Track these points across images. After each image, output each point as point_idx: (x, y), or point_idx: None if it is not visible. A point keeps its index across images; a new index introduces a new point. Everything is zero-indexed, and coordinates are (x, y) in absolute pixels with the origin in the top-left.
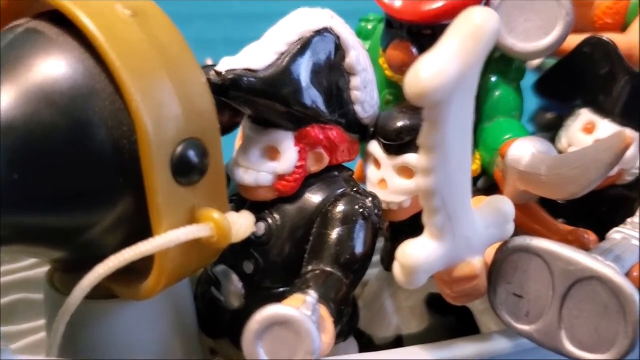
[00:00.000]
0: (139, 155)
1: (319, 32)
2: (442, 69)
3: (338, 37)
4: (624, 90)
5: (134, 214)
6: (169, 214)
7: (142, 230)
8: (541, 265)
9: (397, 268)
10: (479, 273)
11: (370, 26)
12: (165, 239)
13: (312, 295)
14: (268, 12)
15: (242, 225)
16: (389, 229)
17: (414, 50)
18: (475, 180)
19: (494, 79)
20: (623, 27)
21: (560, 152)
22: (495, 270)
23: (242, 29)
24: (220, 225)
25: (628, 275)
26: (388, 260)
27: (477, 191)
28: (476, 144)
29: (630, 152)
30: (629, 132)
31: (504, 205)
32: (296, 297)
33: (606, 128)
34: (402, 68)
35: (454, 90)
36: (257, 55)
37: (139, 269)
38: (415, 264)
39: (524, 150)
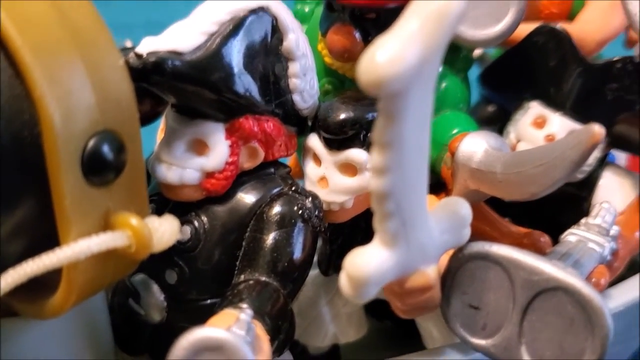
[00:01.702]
0: (43, 150)
1: (253, 12)
2: (401, 53)
3: (275, 18)
4: (577, 82)
5: (38, 219)
6: (78, 219)
7: (48, 238)
8: (501, 274)
9: (344, 279)
10: (433, 283)
11: (307, 8)
12: (74, 250)
13: (246, 311)
14: None
15: (164, 232)
16: (327, 230)
17: (357, 35)
18: None
19: (440, 68)
20: (569, 17)
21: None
22: (449, 279)
23: (166, 11)
24: (139, 232)
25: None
26: (326, 264)
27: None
28: None
29: None
30: (598, 128)
31: (460, 208)
32: (227, 313)
33: (558, 122)
34: (343, 54)
35: (413, 78)
36: (184, 36)
37: (44, 283)
38: (365, 275)
39: (476, 146)
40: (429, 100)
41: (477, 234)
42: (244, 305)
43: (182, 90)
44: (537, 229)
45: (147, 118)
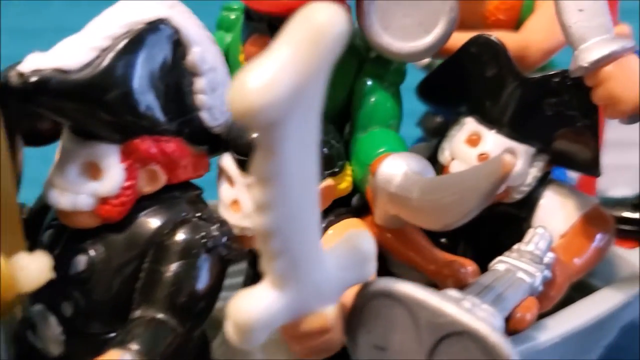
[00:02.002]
0: None
1: (152, 24)
2: (273, 80)
3: (177, 31)
4: (513, 97)
5: None
6: None
7: None
8: (405, 314)
9: (229, 324)
10: (331, 325)
11: (233, 16)
12: None
13: (132, 353)
14: None
15: (32, 271)
16: (250, 253)
17: None
18: (349, 197)
19: (369, 82)
20: (517, 25)
21: (442, 166)
22: (354, 317)
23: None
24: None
25: (511, 317)
26: None
27: (348, 212)
28: (350, 157)
29: (518, 168)
30: (509, 158)
31: (362, 242)
32: (111, 354)
33: (492, 140)
34: None
35: (290, 106)
36: (71, 53)
37: None
38: (251, 319)
39: (396, 168)
40: (312, 129)
41: (402, 259)
42: (134, 347)
43: (71, 110)
44: (477, 250)
45: (48, 137)
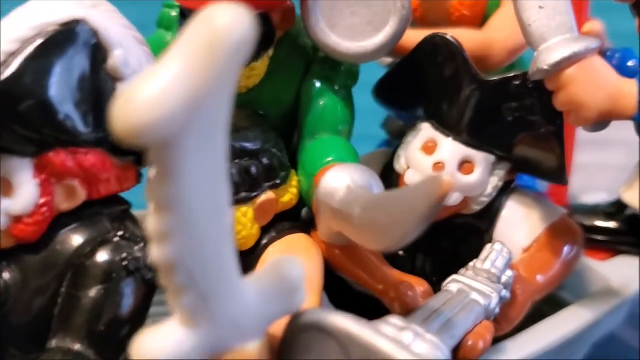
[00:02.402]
0: None
1: (66, 26)
2: (162, 94)
3: (96, 32)
4: (471, 101)
5: None
6: None
7: None
8: (337, 349)
9: None
10: None
11: (174, 13)
12: None
13: None
14: None
15: None
16: None
17: None
18: (297, 210)
19: (317, 85)
20: (483, 21)
21: (398, 175)
22: (285, 352)
23: None
24: None
25: (461, 345)
26: None
27: (293, 227)
28: (297, 166)
29: (474, 178)
30: (447, 178)
31: (289, 270)
32: None
33: (448, 148)
34: None
35: (185, 123)
36: None
37: None
38: None
39: (340, 181)
40: (218, 147)
41: (350, 277)
42: None
43: None
44: (437, 263)
45: None
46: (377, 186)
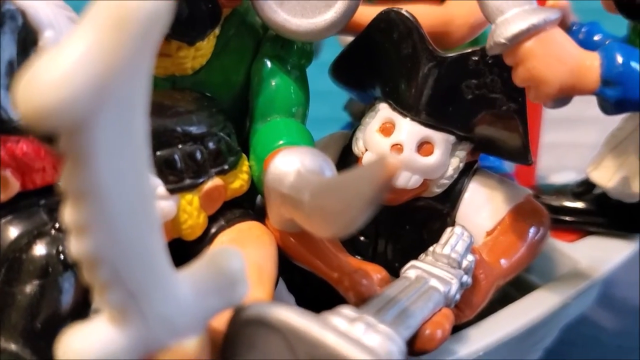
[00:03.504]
0: None
1: None
2: (69, 72)
3: (23, 13)
4: (429, 79)
5: None
6: None
7: None
8: (281, 344)
9: None
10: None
11: None
12: None
13: None
14: None
15: None
16: None
17: None
18: (252, 195)
19: (268, 64)
20: None
21: (357, 158)
22: (227, 348)
23: None
24: None
25: (418, 335)
26: None
27: (244, 215)
28: (248, 151)
29: (434, 160)
30: (393, 160)
31: (230, 260)
32: None
33: (406, 129)
34: None
35: (95, 103)
36: None
37: None
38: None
39: (289, 165)
40: (137, 130)
41: (306, 265)
42: None
43: None
44: (399, 248)
45: None
46: (330, 170)
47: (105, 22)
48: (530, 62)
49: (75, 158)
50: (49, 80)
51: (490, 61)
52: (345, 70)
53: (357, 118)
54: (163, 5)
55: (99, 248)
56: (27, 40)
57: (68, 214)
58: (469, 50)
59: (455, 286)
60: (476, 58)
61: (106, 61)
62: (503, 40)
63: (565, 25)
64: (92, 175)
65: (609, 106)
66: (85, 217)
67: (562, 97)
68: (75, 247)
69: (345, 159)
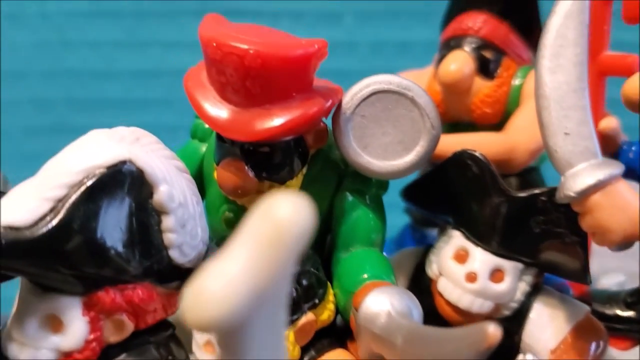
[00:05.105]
0: None
1: (113, 168)
2: (231, 288)
3: (142, 171)
4: (499, 213)
5: None
6: None
7: None
8: None
9: None
10: None
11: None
12: None
13: None
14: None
15: None
16: None
17: (249, 171)
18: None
19: (349, 198)
20: (504, 117)
21: (430, 279)
22: None
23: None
24: None
25: None
26: None
27: (331, 344)
28: (332, 279)
29: (505, 287)
30: (493, 329)
31: None
32: None
33: (480, 258)
34: (236, 191)
35: (251, 311)
36: (23, 206)
37: None
38: None
39: (380, 305)
40: (278, 323)
41: None
42: None
43: (26, 267)
44: None
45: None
46: (417, 310)
47: (259, 239)
48: (596, 212)
49: (229, 351)
50: (214, 294)
51: (556, 201)
52: (419, 195)
53: (417, 222)
54: (309, 221)
55: None
56: (144, 195)
57: None
58: (538, 192)
59: None
60: (544, 198)
61: (263, 275)
62: (572, 194)
63: (615, 144)
64: None
65: None
66: None
67: (624, 243)
68: None
69: (418, 277)
